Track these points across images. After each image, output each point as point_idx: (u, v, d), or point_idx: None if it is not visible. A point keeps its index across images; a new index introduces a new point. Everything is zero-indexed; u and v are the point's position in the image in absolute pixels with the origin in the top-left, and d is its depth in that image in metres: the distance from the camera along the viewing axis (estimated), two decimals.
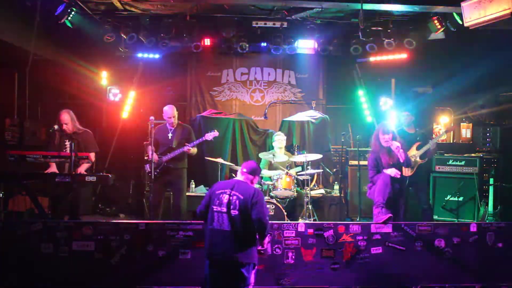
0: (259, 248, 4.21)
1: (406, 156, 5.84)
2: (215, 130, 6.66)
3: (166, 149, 6.38)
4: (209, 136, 6.56)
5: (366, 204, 7.09)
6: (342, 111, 9.09)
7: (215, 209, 4.12)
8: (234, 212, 4.04)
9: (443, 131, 7.54)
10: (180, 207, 6.49)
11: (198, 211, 4.29)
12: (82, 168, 5.93)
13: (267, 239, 4.27)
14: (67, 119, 5.99)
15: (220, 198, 4.12)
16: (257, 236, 4.14)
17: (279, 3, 7.03)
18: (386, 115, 8.65)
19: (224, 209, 4.06)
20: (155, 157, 6.31)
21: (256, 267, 4.19)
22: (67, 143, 5.99)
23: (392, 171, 5.68)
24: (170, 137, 6.45)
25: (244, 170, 4.26)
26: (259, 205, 4.05)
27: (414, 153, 6.48)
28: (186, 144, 6.38)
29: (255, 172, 4.28)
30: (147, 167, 6.40)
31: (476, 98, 8.24)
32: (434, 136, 7.73)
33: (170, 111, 6.46)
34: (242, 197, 4.05)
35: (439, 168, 7.36)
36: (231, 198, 4.08)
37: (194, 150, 6.53)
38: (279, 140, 7.11)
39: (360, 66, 8.82)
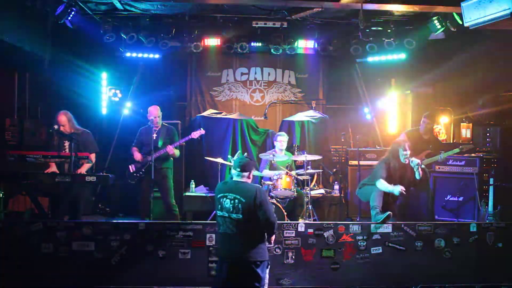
0: (267, 244, 4.18)
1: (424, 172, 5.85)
2: (201, 129, 6.73)
3: (151, 149, 6.38)
4: (196, 134, 6.63)
5: (366, 204, 7.08)
6: (342, 111, 9.08)
7: (219, 214, 4.10)
8: (237, 216, 3.98)
9: (457, 149, 7.08)
10: (170, 204, 6.53)
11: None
12: (83, 169, 5.93)
13: (274, 237, 4.27)
14: (64, 120, 6.00)
15: (221, 203, 4.07)
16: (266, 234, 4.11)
17: (279, 3, 7.04)
18: (386, 115, 8.68)
19: (227, 214, 4.02)
20: (140, 156, 6.41)
21: (269, 265, 4.17)
22: (66, 143, 6.00)
23: (397, 188, 5.53)
24: (155, 137, 6.47)
25: (238, 169, 4.14)
26: (264, 205, 4.00)
27: (421, 160, 6.46)
28: (168, 145, 6.45)
29: (247, 167, 4.15)
30: (132, 167, 6.47)
31: (476, 98, 8.23)
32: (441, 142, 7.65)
33: (155, 111, 6.52)
34: (244, 200, 3.99)
35: (439, 168, 7.34)
36: (232, 201, 4.01)
37: (176, 152, 6.57)
38: (282, 141, 7.10)
39: (360, 66, 8.83)
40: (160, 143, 6.47)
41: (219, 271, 4.14)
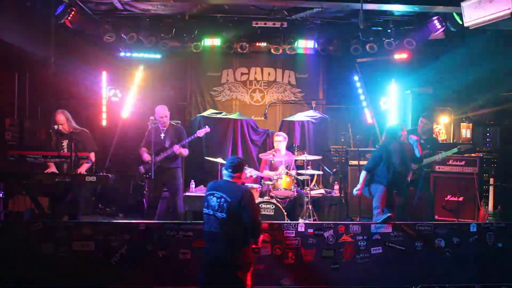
0: (253, 246, 4.19)
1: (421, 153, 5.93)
2: (207, 127, 6.78)
3: (159, 149, 6.38)
4: (201, 132, 6.68)
5: (366, 204, 7.09)
6: (342, 111, 9.08)
7: (205, 212, 4.13)
8: (222, 215, 4.00)
9: (455, 149, 7.02)
10: (177, 205, 6.51)
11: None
12: (83, 168, 5.93)
13: (261, 238, 4.27)
14: (62, 119, 6.00)
15: (208, 200, 4.11)
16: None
17: (279, 3, 7.04)
18: (386, 115, 8.66)
19: (212, 212, 4.05)
20: (149, 157, 6.39)
21: (252, 268, 4.17)
22: (64, 143, 6.00)
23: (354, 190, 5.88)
24: (162, 137, 6.48)
25: (230, 170, 4.17)
26: (249, 207, 4.01)
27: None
28: (175, 145, 6.44)
29: (238, 168, 4.18)
30: (141, 168, 6.45)
31: (476, 98, 8.23)
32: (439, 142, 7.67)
33: (162, 111, 6.53)
34: (229, 199, 4.00)
35: (439, 168, 7.34)
36: (218, 200, 4.03)
37: (184, 151, 6.55)
38: (278, 141, 7.11)
39: (360, 66, 8.83)
40: (167, 143, 6.47)
41: (201, 270, 4.15)
